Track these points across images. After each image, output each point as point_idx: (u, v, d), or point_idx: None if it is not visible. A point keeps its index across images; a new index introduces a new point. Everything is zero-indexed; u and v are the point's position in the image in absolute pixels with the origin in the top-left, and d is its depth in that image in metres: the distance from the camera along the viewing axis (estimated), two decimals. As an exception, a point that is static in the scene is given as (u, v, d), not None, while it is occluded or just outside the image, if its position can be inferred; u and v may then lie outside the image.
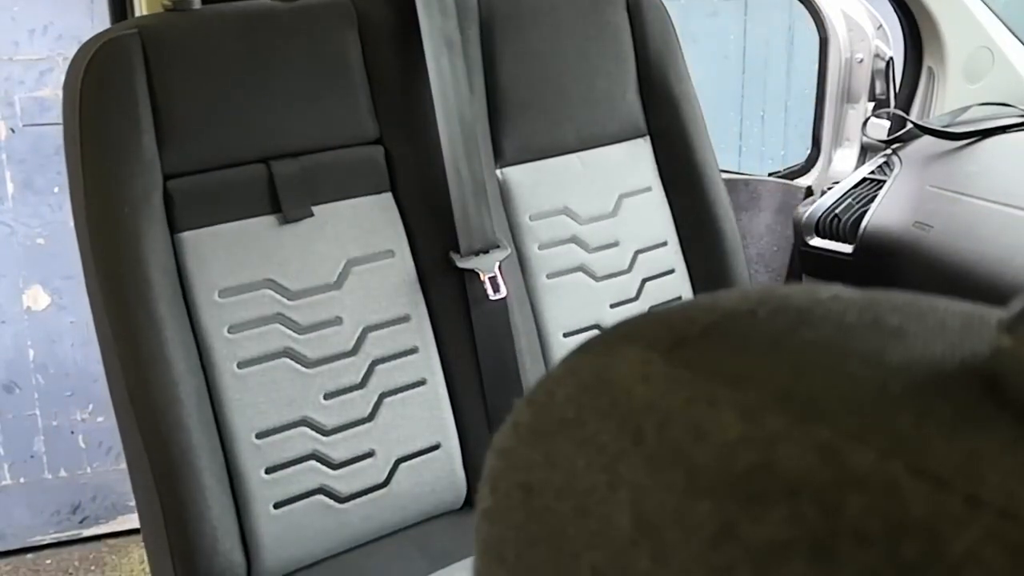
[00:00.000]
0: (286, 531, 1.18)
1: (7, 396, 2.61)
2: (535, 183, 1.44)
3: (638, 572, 0.21)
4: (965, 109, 1.75)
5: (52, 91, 2.50)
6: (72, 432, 2.66)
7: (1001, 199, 1.46)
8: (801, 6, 1.92)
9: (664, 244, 1.52)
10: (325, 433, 1.22)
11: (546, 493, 0.24)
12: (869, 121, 1.89)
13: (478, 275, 1.29)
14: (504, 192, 1.42)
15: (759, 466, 0.20)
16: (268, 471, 1.18)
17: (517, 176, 1.43)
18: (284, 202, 1.22)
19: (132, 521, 2.74)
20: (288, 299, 1.21)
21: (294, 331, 1.21)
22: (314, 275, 1.23)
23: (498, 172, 1.42)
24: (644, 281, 1.50)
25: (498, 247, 1.31)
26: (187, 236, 1.17)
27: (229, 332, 1.17)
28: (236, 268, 1.18)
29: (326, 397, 1.22)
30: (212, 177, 1.19)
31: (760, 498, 0.20)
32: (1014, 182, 1.49)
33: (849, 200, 1.75)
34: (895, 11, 1.80)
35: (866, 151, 1.90)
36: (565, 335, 1.43)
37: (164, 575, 1.16)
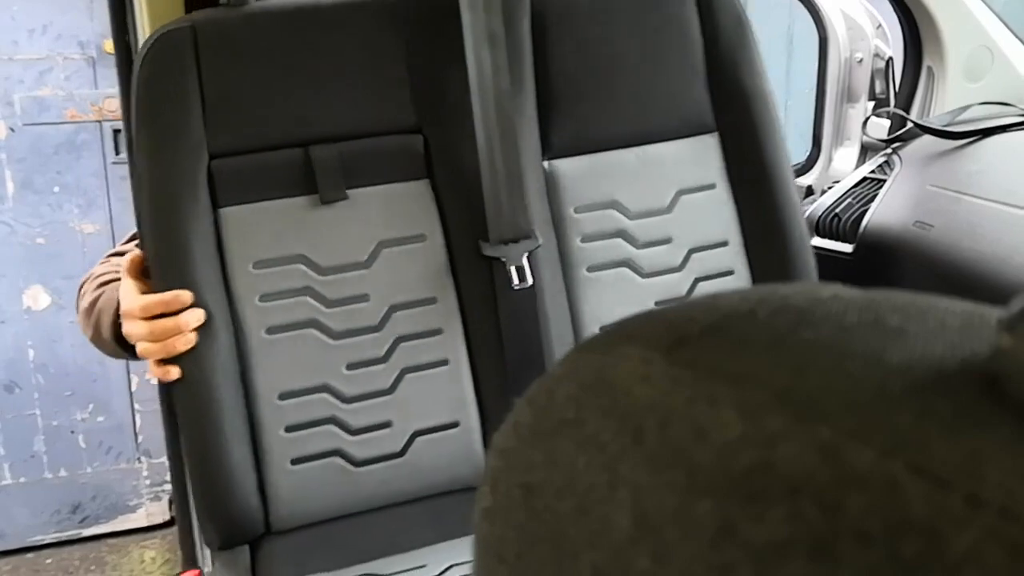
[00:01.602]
0: (302, 486, 1.26)
1: (7, 396, 2.61)
2: (583, 176, 1.43)
3: (638, 571, 0.21)
4: (965, 108, 1.75)
5: (51, 90, 2.50)
6: (72, 432, 2.66)
7: (1001, 198, 1.46)
8: (801, 6, 1.92)
9: (724, 244, 1.48)
10: (345, 400, 1.28)
11: (546, 493, 0.24)
12: (869, 120, 1.89)
13: (505, 264, 1.31)
14: (550, 184, 1.42)
15: (759, 465, 0.20)
16: (288, 430, 1.26)
17: (564, 168, 1.43)
18: (321, 184, 1.29)
19: (132, 521, 2.74)
20: (318, 274, 1.28)
21: (322, 304, 1.28)
22: (345, 253, 1.30)
23: (545, 164, 1.42)
24: (697, 281, 1.46)
25: (528, 238, 1.32)
26: (228, 211, 1.26)
27: (260, 300, 1.26)
28: (271, 243, 1.27)
29: (348, 368, 1.29)
30: (254, 159, 1.28)
31: (760, 497, 0.20)
32: (1014, 181, 1.49)
33: (849, 199, 1.75)
34: (894, 11, 1.81)
35: (866, 150, 1.90)
36: (602, 329, 1.42)
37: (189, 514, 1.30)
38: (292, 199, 1.29)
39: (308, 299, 1.27)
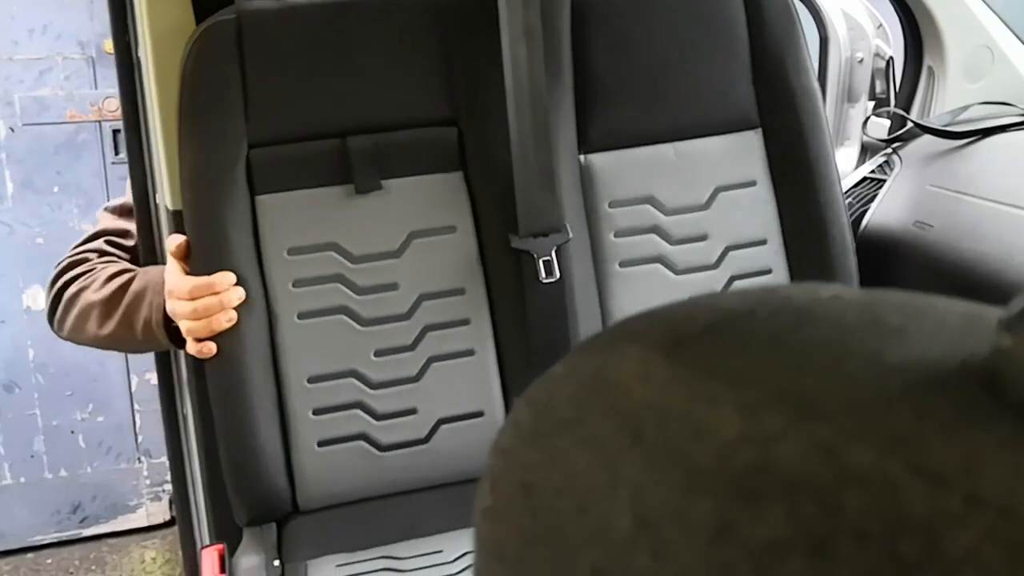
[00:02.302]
0: (328, 468, 1.29)
1: (7, 396, 2.61)
2: (619, 170, 1.42)
3: (638, 570, 0.21)
4: (965, 108, 1.75)
5: (51, 90, 2.50)
6: (72, 432, 2.66)
7: (1001, 198, 1.46)
8: (801, 6, 1.92)
9: (763, 242, 1.45)
10: (372, 386, 1.31)
11: (546, 492, 0.24)
12: (869, 120, 1.89)
13: (534, 257, 1.32)
14: (585, 178, 1.41)
15: (758, 464, 0.20)
16: (315, 412, 1.29)
17: (601, 163, 1.42)
18: (356, 175, 1.32)
19: (132, 521, 2.74)
20: (350, 262, 1.31)
21: (352, 291, 1.31)
22: (377, 243, 1.32)
23: (581, 158, 1.42)
24: (733, 279, 1.44)
25: (558, 232, 1.33)
26: (265, 199, 1.30)
27: (293, 286, 1.29)
28: (306, 230, 1.30)
29: (376, 354, 1.31)
30: (292, 148, 1.31)
31: (759, 496, 0.20)
32: (1014, 181, 1.49)
33: (849, 199, 1.75)
34: (895, 10, 1.81)
35: (866, 150, 1.90)
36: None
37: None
38: (328, 188, 1.32)
39: (339, 286, 1.30)
